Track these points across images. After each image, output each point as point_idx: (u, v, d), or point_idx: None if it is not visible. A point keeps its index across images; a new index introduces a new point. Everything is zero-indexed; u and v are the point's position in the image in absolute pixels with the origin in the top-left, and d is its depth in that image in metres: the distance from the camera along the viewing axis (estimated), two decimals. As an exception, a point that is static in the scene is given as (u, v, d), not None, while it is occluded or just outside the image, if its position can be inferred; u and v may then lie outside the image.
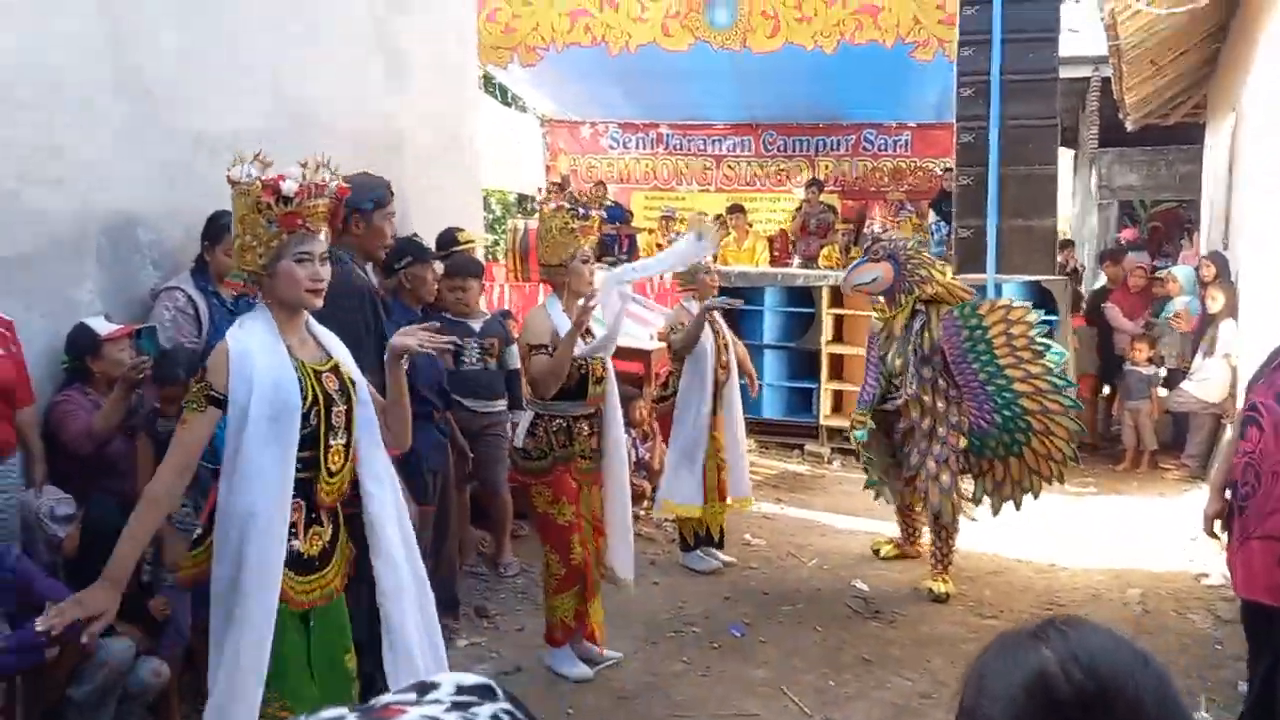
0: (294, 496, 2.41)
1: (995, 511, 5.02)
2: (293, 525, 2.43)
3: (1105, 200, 13.51)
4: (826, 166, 12.40)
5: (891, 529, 5.65)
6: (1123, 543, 5.85)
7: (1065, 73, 11.62)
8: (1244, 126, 7.51)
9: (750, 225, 10.76)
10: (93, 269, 4.01)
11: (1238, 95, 7.84)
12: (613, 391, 4.06)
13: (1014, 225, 7.68)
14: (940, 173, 11.04)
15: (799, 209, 10.89)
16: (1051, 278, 7.65)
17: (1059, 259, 10.87)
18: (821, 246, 10.19)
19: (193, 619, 3.17)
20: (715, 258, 8.45)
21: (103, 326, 3.76)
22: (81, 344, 3.73)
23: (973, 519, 5.13)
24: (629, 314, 6.36)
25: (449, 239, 5.25)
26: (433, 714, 0.46)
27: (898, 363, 4.91)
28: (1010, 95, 7.77)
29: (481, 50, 8.88)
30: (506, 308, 6.65)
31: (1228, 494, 3.26)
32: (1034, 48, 7.82)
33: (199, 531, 2.57)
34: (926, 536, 5.30)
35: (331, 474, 2.50)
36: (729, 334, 5.51)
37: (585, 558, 3.93)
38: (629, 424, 5.46)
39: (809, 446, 7.88)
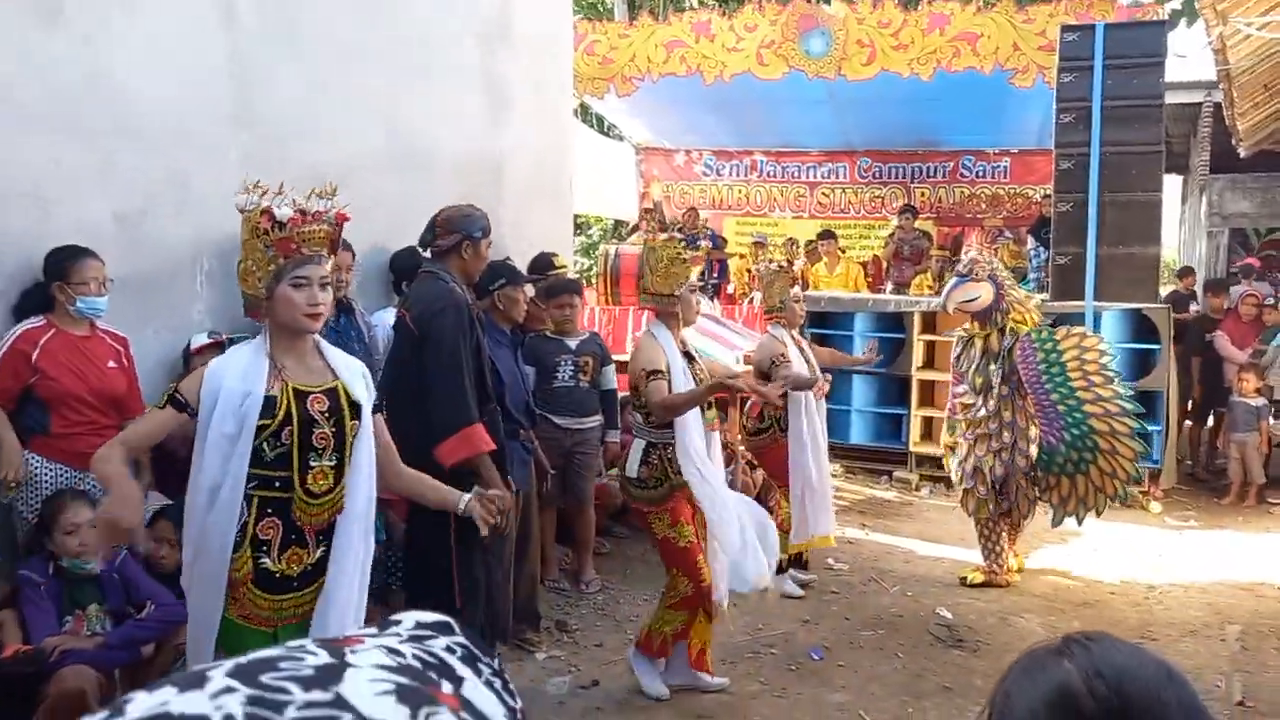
0: (270, 515, 2.44)
1: (1057, 523, 5.38)
2: (266, 543, 2.45)
3: (1215, 228, 13.04)
4: (923, 193, 12.31)
5: (974, 556, 5.62)
6: (1224, 578, 5.64)
7: (1176, 98, 11.36)
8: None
9: (843, 251, 10.74)
10: (204, 290, 4.27)
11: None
12: (717, 418, 4.11)
13: (1114, 253, 7.51)
14: (1039, 199, 10.86)
15: (892, 235, 10.82)
16: (1153, 306, 7.45)
17: (1180, 286, 10.57)
18: (915, 273, 10.11)
19: None
20: (804, 284, 8.49)
21: (200, 341, 4.00)
22: (184, 357, 4.00)
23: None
24: (713, 336, 6.47)
25: (545, 263, 5.42)
26: (390, 644, 0.51)
27: (978, 380, 5.23)
28: (1112, 121, 7.62)
29: (579, 82, 9.13)
30: (596, 330, 6.79)
31: None
32: (1138, 73, 7.66)
33: None
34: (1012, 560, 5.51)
35: (313, 495, 2.48)
36: (813, 356, 5.49)
37: (698, 583, 3.86)
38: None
39: (897, 473, 7.80)
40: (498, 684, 0.53)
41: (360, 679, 0.48)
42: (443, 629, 0.54)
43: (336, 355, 2.61)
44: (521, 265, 5.21)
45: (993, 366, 5.17)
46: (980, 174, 12.20)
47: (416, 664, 0.50)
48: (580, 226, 12.60)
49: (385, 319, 4.84)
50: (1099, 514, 5.23)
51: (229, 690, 0.45)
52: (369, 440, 2.58)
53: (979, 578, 5.46)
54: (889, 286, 10.19)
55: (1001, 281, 5.26)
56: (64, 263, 3.48)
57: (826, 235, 10.56)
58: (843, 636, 4.77)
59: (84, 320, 3.56)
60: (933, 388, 7.98)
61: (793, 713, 4.00)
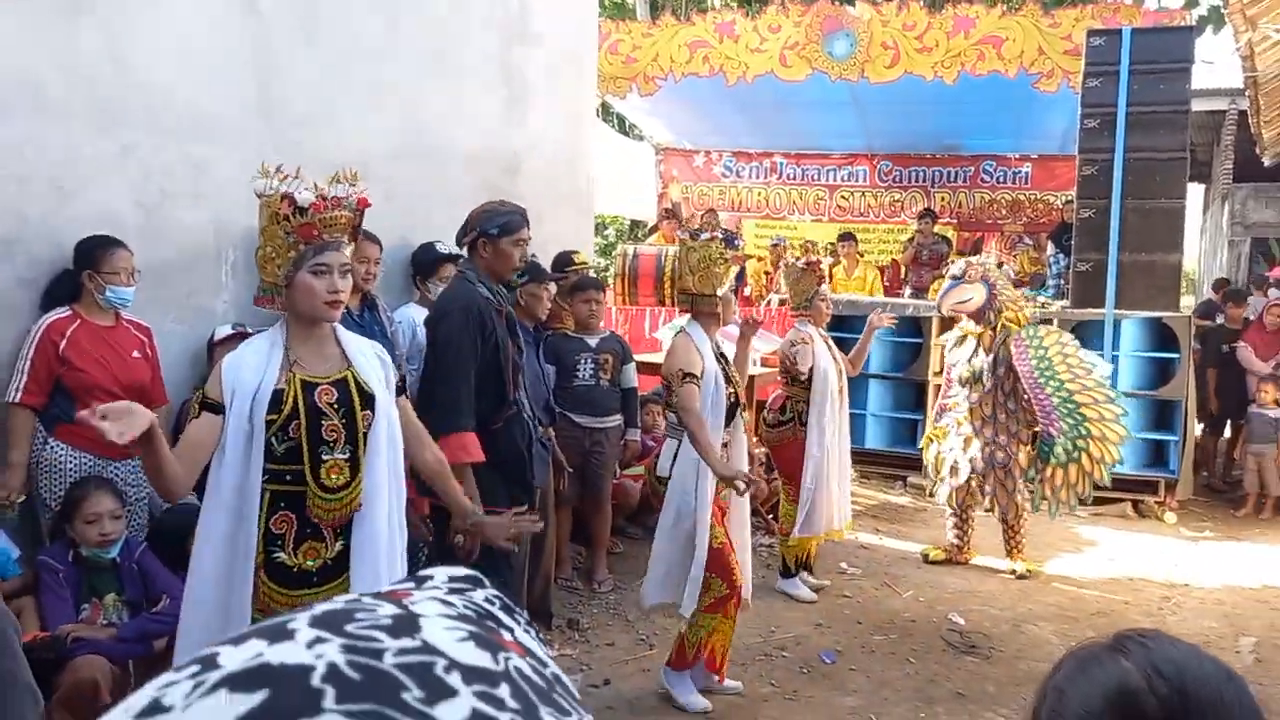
0: (283, 509, 2.39)
1: (1054, 513, 5.68)
2: (280, 537, 2.40)
3: (1238, 237, 12.95)
4: (943, 198, 12.26)
5: (990, 560, 5.82)
6: (1239, 590, 5.61)
7: (1199, 105, 11.29)
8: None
9: (861, 254, 10.71)
10: (227, 280, 4.29)
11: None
12: (739, 422, 4.09)
13: (1136, 260, 7.46)
14: (1060, 205, 10.80)
15: (911, 239, 10.78)
16: (1174, 314, 7.40)
17: (1215, 298, 10.50)
18: (934, 278, 10.05)
19: None
20: (829, 283, 8.46)
21: (224, 333, 4.02)
22: (208, 348, 4.02)
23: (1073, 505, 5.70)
24: (732, 338, 6.45)
25: (566, 260, 5.42)
26: (435, 595, 0.50)
27: (966, 374, 5.56)
28: (1137, 127, 7.57)
29: (602, 81, 9.13)
30: (613, 329, 6.79)
31: None
32: (1165, 79, 7.60)
33: None
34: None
35: (329, 490, 2.42)
36: (840, 357, 5.50)
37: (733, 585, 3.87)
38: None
39: (911, 478, 7.77)
40: (534, 632, 0.54)
41: (436, 627, 0.47)
42: (476, 582, 0.54)
43: (353, 341, 2.56)
44: (541, 263, 5.22)
45: (980, 361, 5.52)
46: (1001, 179, 12.14)
47: (470, 613, 0.50)
48: (597, 227, 12.59)
49: (408, 314, 4.86)
50: (1086, 500, 5.69)
51: (321, 640, 0.44)
52: (387, 431, 2.50)
53: (940, 555, 5.89)
54: (907, 291, 10.15)
55: (994, 282, 5.57)
56: (95, 252, 3.52)
57: (846, 238, 10.53)
58: (855, 641, 4.76)
59: (110, 310, 3.59)
60: (950, 393, 7.94)
61: (804, 716, 3.99)
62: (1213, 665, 0.97)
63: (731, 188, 13.13)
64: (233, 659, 0.43)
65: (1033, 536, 6.45)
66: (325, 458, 2.40)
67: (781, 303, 8.72)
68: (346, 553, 2.47)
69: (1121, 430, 5.41)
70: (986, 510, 5.74)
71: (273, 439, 2.35)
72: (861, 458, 7.74)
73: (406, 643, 0.45)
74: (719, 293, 3.89)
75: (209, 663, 0.44)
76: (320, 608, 0.48)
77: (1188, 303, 11.52)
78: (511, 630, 0.51)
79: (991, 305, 5.52)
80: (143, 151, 3.94)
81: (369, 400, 2.46)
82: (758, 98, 10.19)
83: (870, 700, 4.13)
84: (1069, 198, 9.45)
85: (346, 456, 2.43)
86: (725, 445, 3.92)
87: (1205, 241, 14.13)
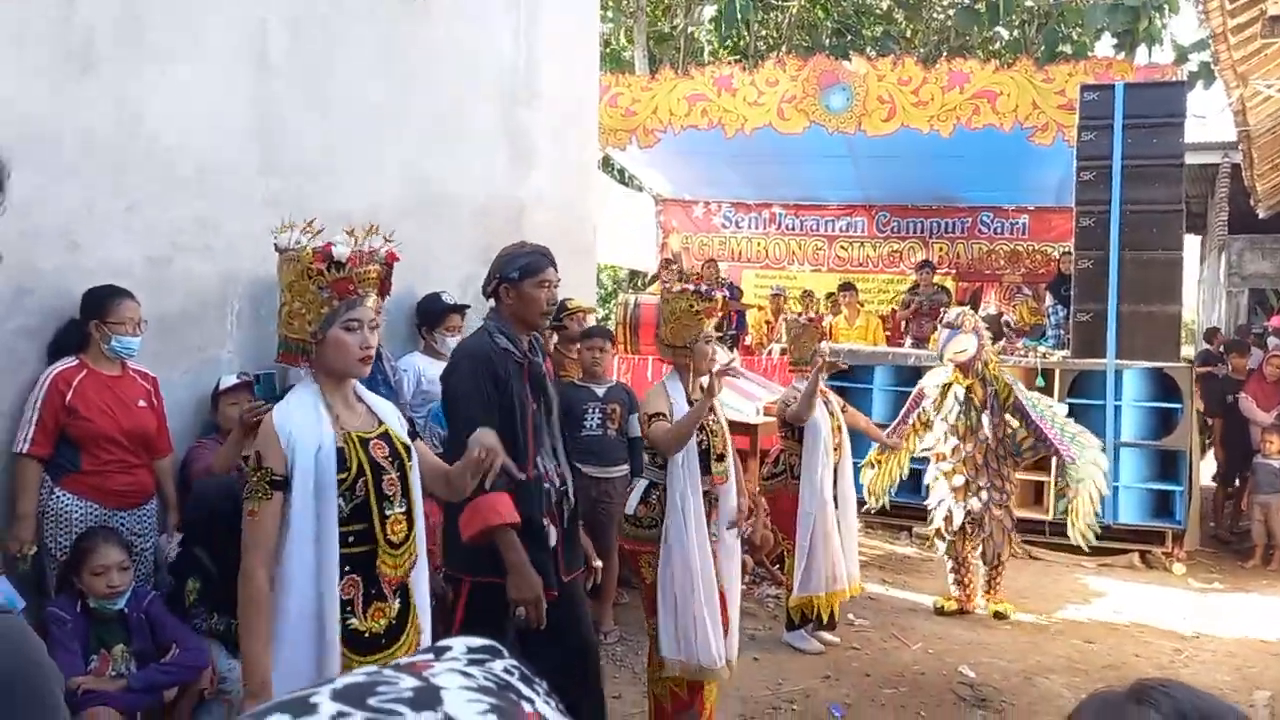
0: (350, 572, 2.31)
1: (1086, 540, 5.83)
2: (349, 603, 2.31)
3: (1235, 288, 13.04)
4: (941, 248, 12.36)
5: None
6: (1250, 643, 5.55)
7: (1193, 159, 11.42)
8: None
9: (862, 304, 10.75)
10: (232, 330, 4.30)
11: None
12: (731, 470, 4.01)
13: (1135, 311, 7.50)
14: (1057, 256, 10.88)
15: (913, 289, 10.84)
16: (1175, 365, 7.42)
17: (1212, 347, 10.54)
18: (934, 328, 10.09)
19: None
20: (830, 336, 8.48)
21: (228, 382, 4.02)
22: (212, 397, 4.02)
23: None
24: (732, 386, 6.46)
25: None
26: (456, 668, 0.51)
27: (962, 425, 5.65)
28: (1133, 180, 7.66)
29: (602, 133, 9.22)
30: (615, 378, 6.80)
31: None
32: (1158, 133, 7.71)
33: None
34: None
35: (394, 545, 2.36)
36: (839, 409, 5.48)
37: None
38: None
39: (917, 528, 7.73)
40: (554, 703, 0.53)
41: (458, 699, 0.48)
42: (494, 652, 0.54)
43: (371, 397, 2.53)
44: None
45: (975, 413, 5.64)
46: (998, 230, 12.25)
47: (491, 684, 0.51)
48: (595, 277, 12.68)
49: (412, 362, 4.87)
50: (1080, 530, 5.79)
51: (343, 715, 0.45)
52: (420, 483, 2.49)
53: (953, 605, 5.91)
54: (908, 341, 10.18)
55: (981, 332, 5.74)
56: (102, 302, 3.53)
57: (847, 287, 10.59)
58: (864, 694, 4.70)
59: (116, 360, 3.59)
60: (952, 443, 7.92)
61: (814, 771, 3.93)
62: (1234, 714, 0.96)
63: (731, 238, 13.23)
64: None
65: (1040, 587, 6.41)
66: (389, 513, 2.35)
67: (782, 352, 8.73)
68: (405, 610, 2.42)
69: (1103, 463, 5.75)
70: (981, 555, 5.83)
71: (339, 499, 2.28)
72: (867, 509, 7.70)
73: (428, 716, 0.46)
74: (689, 344, 3.86)
75: None
76: (341, 680, 0.49)
77: (1188, 353, 11.56)
78: (531, 701, 0.52)
79: (979, 356, 5.65)
80: (152, 207, 3.97)
81: (409, 452, 2.45)
82: (756, 150, 10.30)
83: (881, 755, 4.07)
84: (1066, 249, 9.53)
85: (404, 510, 2.40)
86: (706, 493, 3.83)
87: (1203, 292, 14.23)
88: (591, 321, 6.26)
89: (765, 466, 5.45)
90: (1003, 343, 8.50)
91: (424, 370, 4.88)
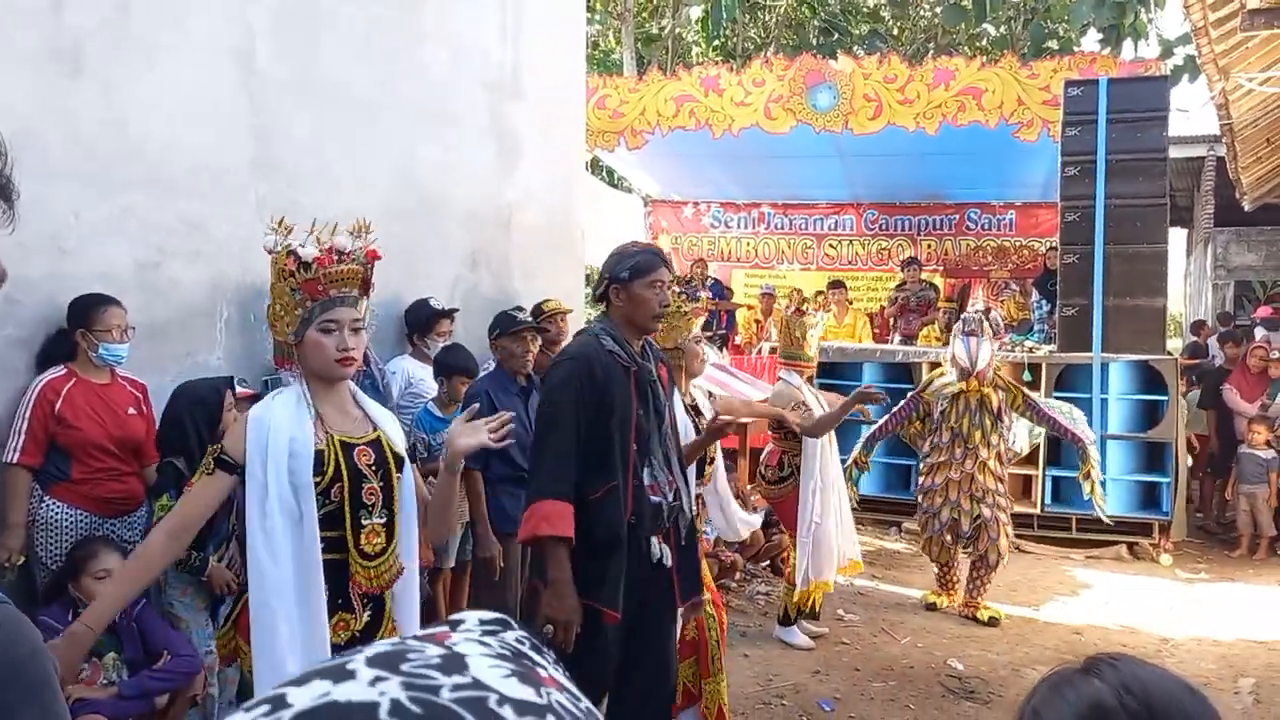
0: None
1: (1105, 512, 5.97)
2: None
3: (1221, 280, 13.12)
4: (929, 245, 12.41)
5: (989, 603, 5.83)
6: (1236, 631, 5.61)
7: (1179, 152, 11.50)
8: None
9: (850, 302, 10.80)
10: (220, 336, 4.32)
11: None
12: (719, 473, 4.04)
13: (1121, 304, 7.56)
14: (1044, 251, 10.94)
15: (901, 286, 10.89)
16: (1160, 357, 7.48)
17: (1198, 339, 10.62)
18: (922, 325, 10.16)
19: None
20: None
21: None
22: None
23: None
24: (723, 386, 6.49)
25: (537, 309, 5.45)
26: (472, 638, 0.53)
27: (976, 434, 5.53)
28: (1117, 174, 7.72)
29: (590, 135, 9.26)
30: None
31: None
32: (1142, 127, 7.77)
33: (227, 608, 2.50)
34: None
35: (368, 557, 2.30)
36: (827, 407, 5.50)
37: (701, 634, 3.76)
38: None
39: (906, 524, 7.77)
40: (561, 670, 0.56)
41: (482, 664, 0.50)
42: (504, 624, 0.56)
43: (372, 404, 2.48)
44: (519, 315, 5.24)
45: (990, 420, 5.55)
46: (986, 226, 12.31)
47: (507, 652, 0.53)
48: (585, 279, 12.71)
49: (402, 366, 4.90)
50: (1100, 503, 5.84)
51: (381, 678, 0.47)
52: (413, 494, 2.44)
53: (945, 601, 5.89)
54: (895, 338, 10.23)
55: (994, 336, 5.74)
56: (87, 310, 3.53)
57: (836, 285, 10.64)
58: (854, 688, 4.74)
59: (105, 367, 3.60)
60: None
61: (804, 765, 3.96)
62: (1175, 682, 1.02)
63: (720, 238, 13.27)
64: (301, 698, 0.46)
65: (1029, 580, 6.46)
66: (365, 522, 2.30)
67: (772, 350, 8.78)
68: (374, 623, 2.37)
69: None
70: (984, 560, 5.66)
71: (315, 501, 2.24)
72: (856, 504, 7.74)
73: (459, 679, 0.48)
74: (680, 344, 3.88)
75: (278, 702, 0.46)
76: (372, 649, 0.51)
77: (1175, 345, 11.64)
78: (545, 667, 0.54)
79: (992, 363, 5.57)
80: (141, 211, 3.98)
81: (400, 463, 2.40)
82: (744, 150, 10.34)
83: (870, 748, 4.11)
84: (1052, 244, 9.58)
85: (384, 521, 2.34)
86: (699, 498, 3.85)
87: (1189, 285, 14.30)
88: (570, 322, 6.28)
89: (769, 471, 5.39)
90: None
91: (412, 373, 4.90)
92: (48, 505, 3.47)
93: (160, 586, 3.49)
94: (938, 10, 18.65)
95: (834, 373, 8.22)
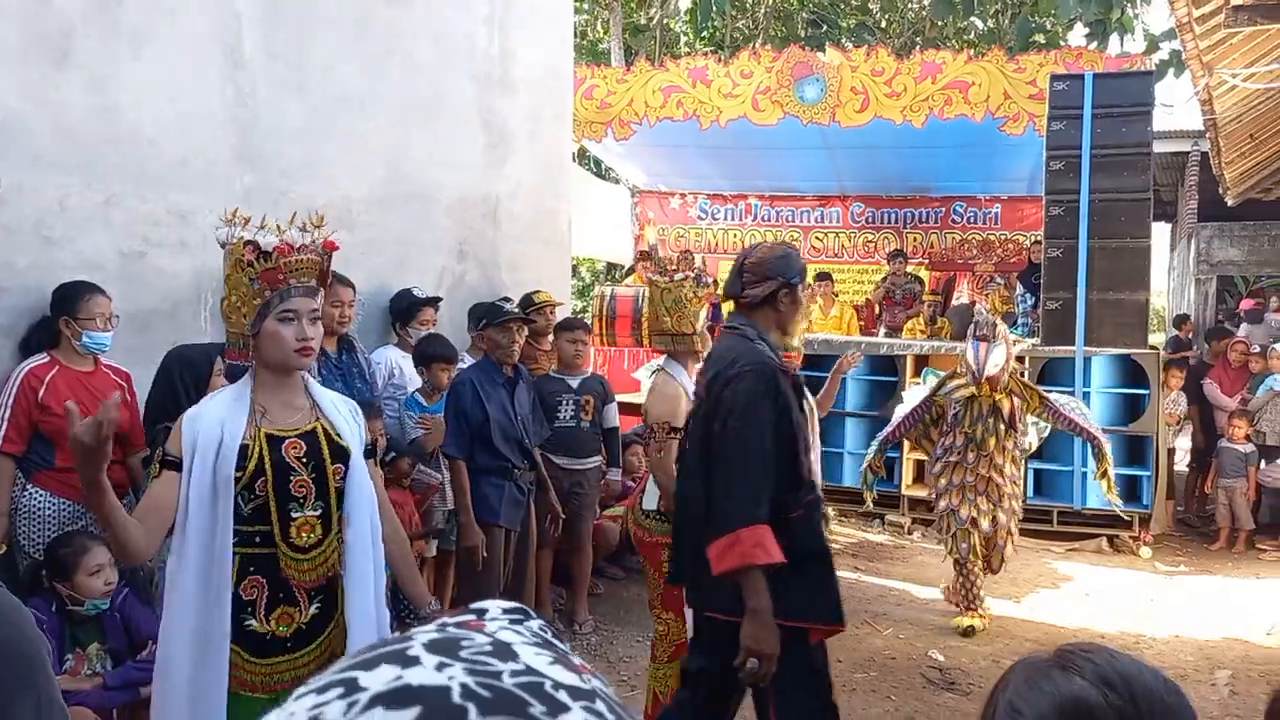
0: (253, 573, 2.26)
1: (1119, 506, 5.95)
2: (251, 604, 2.26)
3: (1204, 275, 13.21)
4: (915, 238, 12.45)
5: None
6: (1213, 623, 5.67)
7: (1163, 147, 11.54)
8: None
9: (836, 294, 10.83)
10: (206, 326, 4.31)
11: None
12: None
13: (1103, 298, 7.62)
14: (1029, 245, 10.99)
15: (885, 279, 10.93)
16: (1142, 351, 7.54)
17: (1179, 333, 10.70)
18: (907, 317, 10.20)
19: None
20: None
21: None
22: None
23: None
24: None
25: (526, 301, 5.47)
26: (504, 626, 0.55)
27: (991, 441, 5.30)
28: (1101, 169, 7.76)
29: (577, 125, 9.25)
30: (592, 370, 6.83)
31: None
32: (1126, 122, 7.81)
33: None
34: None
35: (300, 549, 2.28)
36: (814, 402, 5.54)
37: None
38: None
39: (889, 516, 7.83)
40: (577, 660, 0.57)
41: (528, 652, 0.52)
42: (526, 614, 0.59)
43: (325, 394, 2.44)
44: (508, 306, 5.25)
45: (1004, 426, 5.28)
46: (971, 220, 12.34)
47: (538, 640, 0.55)
48: (572, 269, 12.72)
49: (387, 356, 4.90)
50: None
51: (445, 664, 0.49)
52: (363, 486, 2.38)
53: (981, 622, 5.44)
54: (881, 330, 10.27)
55: (1009, 339, 5.30)
56: (72, 298, 3.53)
57: (823, 277, 10.66)
58: (835, 679, 4.70)
59: (89, 356, 3.60)
60: (925, 431, 8.02)
61: (786, 754, 3.99)
62: (1152, 674, 1.02)
63: (707, 229, 13.27)
64: (373, 681, 0.48)
65: (1010, 573, 6.50)
66: (295, 515, 2.27)
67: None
68: (322, 617, 2.34)
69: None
70: (987, 565, 5.53)
71: (239, 498, 2.23)
72: (839, 495, 7.79)
73: (514, 666, 0.50)
74: (698, 329, 3.92)
75: (351, 685, 0.48)
76: (425, 635, 0.53)
77: (1158, 340, 11.71)
78: (571, 655, 0.56)
79: (1006, 367, 5.25)
80: (127, 201, 3.98)
81: (340, 453, 2.34)
82: (731, 141, 10.34)
83: (851, 738, 4.14)
84: (1037, 238, 9.64)
85: (318, 513, 2.30)
86: None
87: (1173, 279, 14.39)
88: (566, 312, 6.31)
89: None
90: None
91: (395, 363, 4.91)
92: (30, 493, 3.47)
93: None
94: (925, 3, 18.67)
95: (820, 364, 8.24)
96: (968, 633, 5.37)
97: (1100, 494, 6.02)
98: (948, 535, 5.51)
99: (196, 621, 2.20)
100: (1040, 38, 16.79)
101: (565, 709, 0.48)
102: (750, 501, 2.65)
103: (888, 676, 4.80)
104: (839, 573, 6.27)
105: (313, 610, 2.32)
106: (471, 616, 0.57)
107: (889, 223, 12.61)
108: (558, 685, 0.49)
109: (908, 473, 7.97)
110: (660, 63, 10.80)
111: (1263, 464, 7.57)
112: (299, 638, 2.31)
